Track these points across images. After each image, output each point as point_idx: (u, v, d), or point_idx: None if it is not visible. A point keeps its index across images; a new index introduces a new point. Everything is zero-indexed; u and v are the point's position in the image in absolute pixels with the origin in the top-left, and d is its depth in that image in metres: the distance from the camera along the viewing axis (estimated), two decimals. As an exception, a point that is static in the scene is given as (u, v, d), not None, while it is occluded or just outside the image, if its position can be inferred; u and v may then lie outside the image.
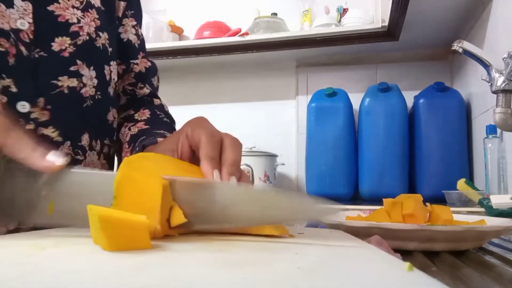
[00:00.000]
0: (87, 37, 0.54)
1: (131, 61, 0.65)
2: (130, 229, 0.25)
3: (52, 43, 0.50)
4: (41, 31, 0.49)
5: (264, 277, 0.18)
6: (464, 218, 0.54)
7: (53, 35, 0.51)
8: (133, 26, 0.66)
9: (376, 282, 0.18)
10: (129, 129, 0.60)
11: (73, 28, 0.52)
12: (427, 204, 0.52)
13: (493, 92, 0.87)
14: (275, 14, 1.85)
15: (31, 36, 0.48)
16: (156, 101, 0.67)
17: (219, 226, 0.32)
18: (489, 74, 0.87)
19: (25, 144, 0.33)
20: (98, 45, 0.55)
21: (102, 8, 0.58)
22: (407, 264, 0.20)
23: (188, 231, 0.34)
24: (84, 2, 0.55)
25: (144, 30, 1.89)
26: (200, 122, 0.41)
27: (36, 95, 0.49)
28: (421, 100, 1.54)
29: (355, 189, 1.61)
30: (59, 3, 0.52)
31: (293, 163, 1.88)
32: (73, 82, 0.52)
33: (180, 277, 0.19)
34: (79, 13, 0.53)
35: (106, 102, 0.58)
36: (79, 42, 0.53)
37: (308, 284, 0.17)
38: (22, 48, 0.48)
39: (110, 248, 0.24)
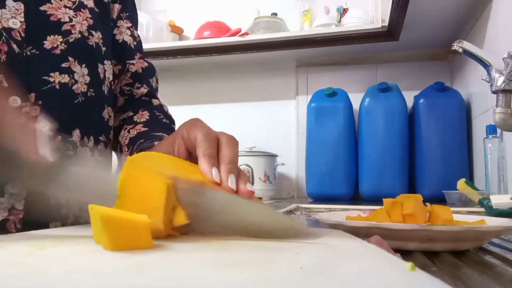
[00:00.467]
0: (79, 35, 0.55)
1: (127, 61, 0.66)
2: (132, 229, 0.25)
3: (44, 41, 0.52)
4: (32, 30, 0.51)
5: (267, 277, 0.18)
6: (464, 218, 0.54)
7: (45, 34, 0.52)
8: (128, 28, 0.67)
9: (379, 282, 0.18)
10: (128, 131, 0.60)
11: (65, 27, 0.54)
12: (427, 204, 0.52)
13: (493, 92, 0.87)
14: (275, 14, 1.85)
15: (22, 34, 0.50)
16: (155, 102, 0.67)
17: (214, 229, 0.33)
18: (489, 74, 0.87)
19: (24, 136, 0.34)
20: (91, 43, 0.56)
21: (96, 10, 0.59)
22: (409, 264, 0.20)
23: (190, 231, 0.34)
24: (77, 2, 0.56)
25: (144, 30, 1.90)
26: (194, 123, 0.42)
27: (27, 91, 0.50)
28: (421, 100, 1.54)
29: (355, 189, 1.61)
30: (51, 3, 0.53)
31: (293, 163, 1.88)
32: (65, 79, 0.53)
33: (181, 276, 0.19)
34: (71, 12, 0.55)
35: (100, 99, 0.59)
36: (71, 40, 0.54)
37: (312, 284, 0.17)
38: (14, 46, 0.49)
39: (111, 247, 0.24)
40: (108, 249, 0.25)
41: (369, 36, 1.60)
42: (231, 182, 0.36)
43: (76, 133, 0.55)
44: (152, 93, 0.68)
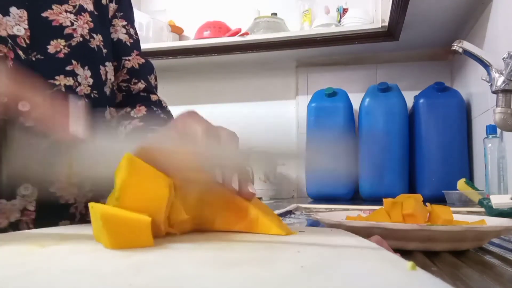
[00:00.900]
0: (81, 39, 0.56)
1: (123, 57, 0.66)
2: (132, 227, 0.25)
3: (48, 46, 0.53)
4: (36, 36, 0.52)
5: (267, 276, 0.18)
6: (464, 218, 0.54)
7: (48, 39, 0.53)
8: (123, 26, 0.67)
9: (380, 282, 0.18)
10: (125, 127, 0.61)
11: (67, 31, 0.55)
12: (427, 204, 0.52)
13: (493, 92, 0.87)
14: (275, 14, 1.85)
15: (27, 41, 0.51)
16: (154, 97, 0.67)
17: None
18: (489, 74, 0.87)
19: (51, 113, 0.35)
20: (92, 46, 0.58)
21: (95, 12, 0.60)
22: (409, 264, 0.20)
23: (189, 230, 0.34)
24: (77, 6, 0.57)
25: (144, 30, 1.89)
26: (191, 116, 0.41)
27: None
28: (421, 100, 1.54)
29: (355, 189, 1.61)
30: (52, 9, 0.54)
31: (293, 163, 1.88)
32: (69, 81, 0.54)
33: (182, 276, 0.19)
34: (72, 16, 0.56)
35: (102, 101, 0.60)
36: (73, 43, 0.55)
37: (313, 284, 0.17)
38: (20, 52, 0.50)
39: (111, 246, 0.24)
40: (108, 247, 0.25)
41: (369, 36, 1.60)
42: (233, 182, 0.36)
43: None
44: (150, 89, 0.68)
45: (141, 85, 0.67)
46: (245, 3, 1.94)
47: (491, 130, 1.17)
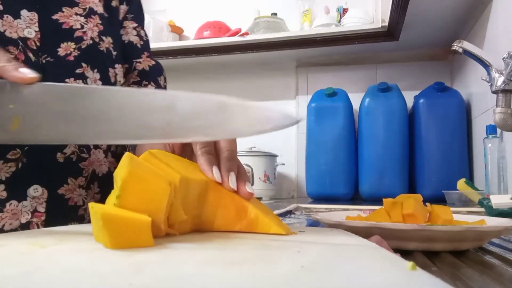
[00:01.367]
0: (91, 41, 0.56)
1: (134, 60, 0.66)
2: (133, 227, 0.25)
3: (58, 49, 0.53)
4: (47, 38, 0.52)
5: (268, 276, 0.18)
6: (464, 218, 0.54)
7: (58, 41, 0.53)
8: (134, 28, 0.67)
9: (380, 281, 0.18)
10: None
11: (77, 34, 0.55)
12: (427, 204, 0.52)
13: (493, 92, 0.87)
14: (275, 14, 1.85)
15: (38, 43, 0.51)
16: None
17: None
18: (489, 74, 0.87)
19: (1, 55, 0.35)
20: (101, 48, 0.57)
21: (105, 15, 0.60)
22: (409, 263, 0.20)
23: (188, 230, 0.34)
24: (87, 9, 0.57)
25: (144, 30, 1.89)
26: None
27: None
28: (421, 100, 1.54)
29: (355, 189, 1.61)
30: (63, 12, 0.54)
31: (293, 163, 1.88)
32: (79, 84, 0.54)
33: (182, 275, 0.19)
34: (82, 19, 0.56)
35: None
36: (83, 46, 0.55)
37: (313, 283, 0.17)
38: (30, 55, 0.50)
39: (112, 246, 0.24)
40: (108, 247, 0.25)
41: (369, 36, 1.60)
42: (231, 182, 0.36)
43: None
44: None
45: (150, 87, 0.67)
46: (245, 3, 1.94)
47: (491, 130, 1.17)
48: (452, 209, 0.53)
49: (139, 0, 0.70)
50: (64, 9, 0.54)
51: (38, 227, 0.50)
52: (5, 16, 0.48)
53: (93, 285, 0.17)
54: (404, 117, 1.55)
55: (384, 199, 0.53)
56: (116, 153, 0.61)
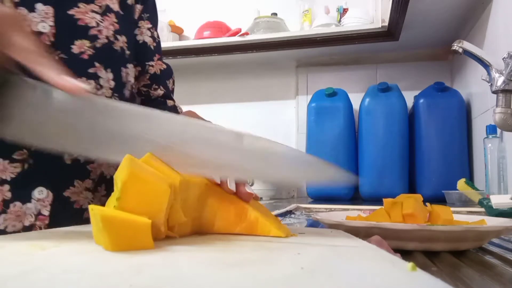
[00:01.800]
0: (106, 40, 0.55)
1: (147, 63, 0.66)
2: (133, 230, 0.25)
3: (72, 46, 0.52)
4: (61, 34, 0.50)
5: (268, 278, 0.18)
6: (464, 218, 0.54)
7: (72, 38, 0.52)
8: (149, 29, 0.67)
9: (380, 283, 0.18)
10: None
11: (92, 32, 0.54)
12: (427, 204, 0.52)
13: (493, 92, 0.87)
14: (275, 14, 1.85)
15: (52, 39, 0.50)
16: (170, 103, 0.68)
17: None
18: (489, 74, 0.87)
19: (56, 65, 0.34)
20: (116, 48, 0.56)
21: (121, 12, 0.59)
22: (410, 264, 0.20)
23: (188, 233, 0.34)
24: (103, 7, 0.56)
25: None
26: (190, 117, 0.41)
27: None
28: (421, 100, 1.54)
29: (355, 189, 1.61)
30: (79, 7, 0.53)
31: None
32: (91, 84, 0.53)
33: (182, 276, 0.19)
34: (98, 17, 0.54)
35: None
36: (97, 45, 0.54)
37: (314, 285, 0.17)
38: None
39: (112, 248, 0.24)
40: (108, 249, 0.25)
41: (369, 36, 1.60)
42: (230, 183, 0.36)
43: None
44: (168, 94, 0.69)
45: (160, 92, 0.67)
46: (245, 3, 1.94)
47: (491, 130, 1.17)
48: (452, 209, 0.53)
49: (153, 0, 0.70)
50: (80, 5, 0.53)
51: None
52: (19, 8, 0.47)
53: (93, 286, 0.17)
54: (404, 117, 1.55)
55: (384, 199, 0.53)
56: None
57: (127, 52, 0.59)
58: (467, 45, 0.90)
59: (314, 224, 0.64)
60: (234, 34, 1.78)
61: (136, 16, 0.65)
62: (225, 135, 0.34)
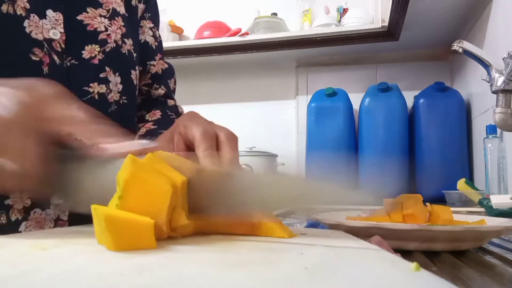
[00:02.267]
0: (114, 44, 0.55)
1: (148, 62, 0.66)
2: (136, 230, 0.25)
3: (83, 51, 0.52)
4: (71, 40, 0.51)
5: (272, 278, 0.18)
6: (464, 218, 0.54)
7: (83, 44, 0.52)
8: (151, 28, 0.67)
9: (386, 283, 0.18)
10: (139, 129, 0.61)
11: (101, 36, 0.54)
12: (427, 204, 0.52)
13: (493, 92, 0.87)
14: (275, 14, 1.85)
15: (62, 45, 0.50)
16: (170, 102, 0.68)
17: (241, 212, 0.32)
18: (489, 74, 0.87)
19: (109, 132, 0.34)
20: (123, 51, 0.57)
21: (126, 15, 0.59)
22: (413, 264, 0.20)
23: (190, 233, 0.34)
24: (111, 10, 0.56)
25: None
26: (191, 118, 0.41)
27: None
28: (421, 100, 1.54)
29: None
30: (87, 12, 0.53)
31: (293, 163, 1.88)
32: (102, 88, 0.53)
33: (184, 277, 0.19)
34: (106, 21, 0.55)
35: (131, 106, 0.59)
36: (107, 50, 0.54)
37: (318, 285, 0.17)
38: (55, 57, 0.49)
39: (114, 248, 0.24)
40: (111, 249, 0.25)
41: (369, 36, 1.60)
42: None
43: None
44: (169, 94, 0.69)
45: (161, 91, 0.67)
46: (245, 3, 1.94)
47: (491, 130, 1.17)
48: (452, 209, 0.53)
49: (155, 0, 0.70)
50: (88, 10, 0.53)
51: None
52: (31, 15, 0.47)
53: (94, 286, 0.17)
54: (404, 117, 1.55)
55: (384, 199, 0.53)
56: None
57: (134, 54, 0.60)
58: (467, 45, 0.90)
59: (314, 224, 0.64)
60: (234, 34, 1.78)
61: (139, 15, 0.65)
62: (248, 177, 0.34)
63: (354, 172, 1.59)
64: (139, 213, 0.27)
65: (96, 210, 0.26)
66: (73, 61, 0.51)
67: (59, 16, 0.50)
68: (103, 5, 0.55)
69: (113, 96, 0.55)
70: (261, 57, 1.83)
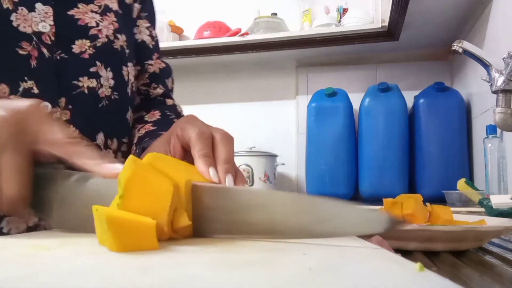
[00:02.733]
0: (106, 40, 0.55)
1: (146, 62, 0.66)
2: (138, 230, 0.25)
3: (73, 46, 0.52)
4: (61, 34, 0.51)
5: (276, 279, 0.18)
6: (464, 218, 0.54)
7: (73, 38, 0.52)
8: (147, 28, 0.67)
9: (390, 283, 0.18)
10: (138, 130, 0.61)
11: (92, 31, 0.54)
12: (427, 204, 0.52)
13: (493, 92, 0.87)
14: (275, 14, 1.85)
15: (52, 38, 0.50)
16: (169, 102, 0.68)
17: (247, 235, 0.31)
18: (489, 74, 0.87)
19: (90, 152, 0.34)
20: (116, 47, 0.57)
21: (120, 12, 0.59)
22: (417, 265, 0.20)
23: (192, 234, 0.34)
24: (102, 6, 0.56)
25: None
26: (188, 120, 0.41)
27: (58, 96, 0.50)
28: (421, 100, 1.54)
29: (355, 189, 1.61)
30: (78, 7, 0.53)
31: (293, 163, 1.88)
32: (93, 83, 0.53)
33: (187, 277, 0.19)
34: (97, 16, 0.55)
35: (124, 102, 0.59)
36: (98, 44, 0.54)
37: (324, 285, 0.17)
38: (44, 50, 0.49)
39: (117, 249, 0.24)
40: (113, 250, 0.25)
41: (369, 36, 1.60)
42: (228, 183, 0.36)
43: (100, 136, 0.55)
44: (167, 93, 0.69)
45: (159, 90, 0.67)
46: (245, 3, 1.94)
47: (491, 130, 1.17)
48: (452, 209, 0.53)
49: None
50: (79, 5, 0.53)
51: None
52: (19, 8, 0.47)
53: (98, 286, 0.17)
54: (404, 117, 1.55)
55: (384, 199, 0.53)
56: (126, 153, 0.61)
57: (127, 50, 0.59)
58: (467, 45, 0.91)
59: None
60: (234, 34, 1.78)
61: (135, 15, 0.65)
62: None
63: (354, 172, 1.59)
64: (140, 213, 0.27)
65: (98, 211, 0.26)
66: (63, 54, 0.50)
67: (49, 9, 0.50)
68: (95, 1, 0.55)
69: (105, 91, 0.55)
70: (261, 57, 1.83)
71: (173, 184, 0.28)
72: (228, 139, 0.40)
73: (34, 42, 0.48)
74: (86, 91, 0.52)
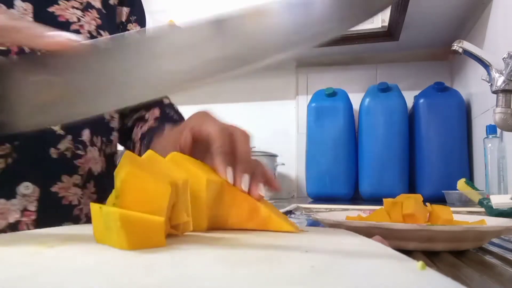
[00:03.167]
0: (88, 35, 0.54)
1: None
2: (148, 228, 0.25)
3: None
4: None
5: (279, 277, 0.18)
6: (464, 218, 0.54)
7: None
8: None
9: (393, 281, 0.18)
10: (141, 128, 0.61)
11: (74, 27, 0.53)
12: (427, 204, 0.52)
13: (493, 92, 0.87)
14: (275, 14, 1.85)
15: None
16: (166, 100, 0.68)
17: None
18: (489, 74, 0.87)
19: (30, 24, 0.31)
20: None
21: (103, 11, 0.59)
22: (419, 263, 0.20)
23: (204, 229, 0.34)
24: (84, 3, 0.55)
25: (144, 30, 1.89)
26: (205, 116, 0.42)
27: None
28: (421, 100, 1.54)
29: (355, 189, 1.61)
30: (59, 4, 0.53)
31: (293, 163, 1.88)
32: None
33: (191, 275, 0.19)
34: (79, 12, 0.54)
35: None
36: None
37: (327, 283, 0.17)
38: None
39: (128, 247, 0.24)
40: (124, 248, 0.24)
41: (369, 36, 1.60)
42: (244, 184, 0.36)
43: (86, 133, 0.55)
44: None
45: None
46: (245, 3, 1.93)
47: (491, 130, 1.17)
48: (452, 209, 0.53)
49: (140, 1, 0.70)
50: (60, 2, 0.53)
51: (28, 228, 0.48)
52: None
53: (103, 286, 0.17)
54: (404, 117, 1.55)
55: (384, 199, 0.53)
56: (106, 153, 0.61)
57: None
58: (467, 45, 0.91)
59: (314, 224, 0.64)
60: (234, 34, 1.78)
61: (124, 19, 0.65)
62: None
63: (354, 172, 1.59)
64: (137, 211, 0.27)
65: (103, 209, 0.26)
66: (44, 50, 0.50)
67: (28, 6, 0.49)
68: None
69: None
70: (261, 57, 1.83)
71: (171, 182, 0.28)
72: (247, 138, 0.40)
73: None
74: None
